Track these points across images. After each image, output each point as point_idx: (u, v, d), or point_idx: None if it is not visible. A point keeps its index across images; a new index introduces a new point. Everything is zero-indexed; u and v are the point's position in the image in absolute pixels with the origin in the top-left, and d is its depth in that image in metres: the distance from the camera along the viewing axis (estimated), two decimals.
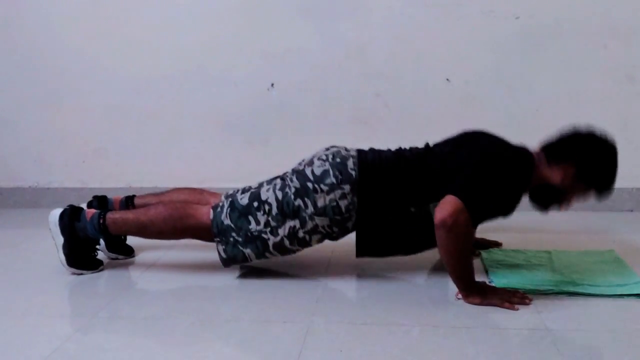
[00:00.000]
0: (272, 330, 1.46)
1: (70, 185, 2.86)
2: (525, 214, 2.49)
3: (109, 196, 2.08)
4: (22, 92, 2.81)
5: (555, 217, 2.45)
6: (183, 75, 2.69)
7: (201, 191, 2.03)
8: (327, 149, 1.81)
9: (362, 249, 1.79)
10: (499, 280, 1.70)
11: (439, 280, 1.77)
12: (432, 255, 1.96)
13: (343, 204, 1.70)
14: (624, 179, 2.54)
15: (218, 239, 1.76)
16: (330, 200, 1.70)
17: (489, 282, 1.70)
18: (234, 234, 1.74)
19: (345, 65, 2.60)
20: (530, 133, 2.51)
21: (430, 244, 1.73)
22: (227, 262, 1.79)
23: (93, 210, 1.86)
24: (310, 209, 1.70)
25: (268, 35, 2.62)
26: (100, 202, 2.04)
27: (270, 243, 1.74)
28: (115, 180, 2.79)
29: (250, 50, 2.64)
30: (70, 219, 1.83)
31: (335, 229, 1.75)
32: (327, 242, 1.85)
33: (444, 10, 2.51)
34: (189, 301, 1.67)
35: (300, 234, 1.73)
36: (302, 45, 2.60)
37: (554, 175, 1.65)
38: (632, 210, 2.57)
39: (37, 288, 1.79)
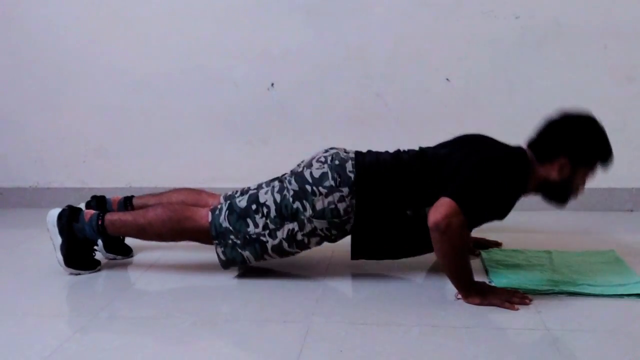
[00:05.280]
0: (272, 330, 1.46)
1: (70, 185, 2.86)
2: (525, 214, 2.49)
3: (107, 196, 2.08)
4: (22, 92, 2.81)
5: (555, 217, 2.46)
6: (183, 75, 2.69)
7: (199, 192, 2.03)
8: (326, 151, 1.81)
9: (357, 252, 1.79)
10: (499, 280, 1.70)
11: (439, 280, 1.77)
12: (431, 255, 1.96)
13: (341, 206, 1.70)
14: (624, 179, 2.56)
15: (217, 242, 1.76)
16: (329, 203, 1.69)
17: (489, 282, 1.70)
18: (232, 237, 1.74)
19: (345, 65, 2.60)
20: (530, 133, 2.52)
21: (425, 248, 1.73)
22: (226, 264, 1.79)
23: (92, 211, 1.86)
24: (309, 212, 1.70)
25: (268, 36, 2.61)
26: (99, 202, 2.03)
27: (269, 246, 1.74)
28: (115, 180, 2.79)
29: (250, 50, 2.63)
30: (68, 219, 1.83)
31: (333, 232, 1.74)
32: (326, 242, 1.85)
33: (444, 10, 2.51)
34: (188, 301, 1.67)
35: (299, 236, 1.73)
36: (302, 45, 2.60)
37: (551, 172, 1.65)
38: (632, 210, 2.57)
39: (37, 288, 1.79)
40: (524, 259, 1.90)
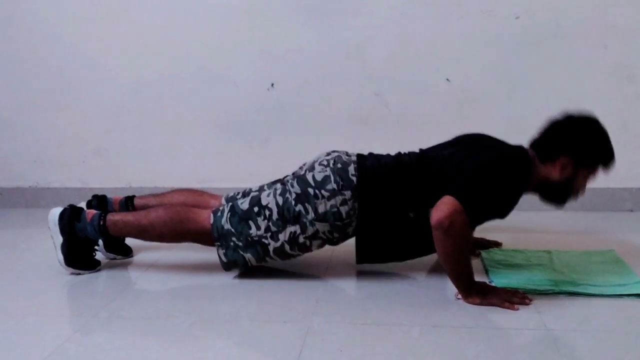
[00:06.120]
0: (272, 330, 1.46)
1: (70, 185, 2.86)
2: (525, 214, 2.49)
3: (108, 196, 2.08)
4: (22, 92, 2.81)
5: (555, 217, 2.46)
6: (183, 75, 2.69)
7: (201, 193, 2.03)
8: (328, 154, 1.81)
9: (363, 256, 1.79)
10: (499, 280, 1.70)
11: (439, 280, 1.77)
12: (432, 255, 1.96)
13: (344, 210, 1.70)
14: (624, 179, 2.56)
15: (218, 243, 1.76)
16: (331, 206, 1.70)
17: (489, 282, 1.70)
18: (234, 239, 1.74)
19: (345, 65, 2.60)
20: (530, 133, 2.52)
21: (428, 249, 1.72)
22: (228, 266, 1.79)
23: (93, 211, 1.86)
24: (311, 215, 1.70)
25: (268, 36, 2.62)
26: (100, 201, 2.03)
27: (271, 248, 1.74)
28: (115, 180, 2.79)
29: (250, 50, 2.64)
30: (70, 219, 1.83)
31: (335, 235, 1.75)
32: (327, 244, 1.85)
33: (444, 10, 2.51)
34: (188, 301, 1.67)
35: (301, 239, 1.73)
36: (302, 45, 2.60)
37: (553, 172, 1.65)
38: (632, 210, 2.57)
39: (37, 288, 1.79)
40: (524, 259, 1.90)
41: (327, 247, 1.83)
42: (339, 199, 1.69)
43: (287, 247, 1.74)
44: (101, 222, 1.82)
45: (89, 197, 2.08)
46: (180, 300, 1.69)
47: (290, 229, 1.72)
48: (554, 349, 1.33)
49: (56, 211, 1.85)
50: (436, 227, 1.52)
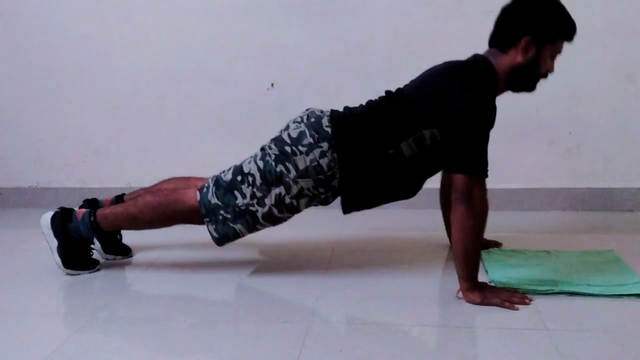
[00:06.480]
0: (271, 330, 1.46)
1: (70, 185, 2.85)
2: (525, 214, 2.50)
3: (99, 198, 2.08)
4: (22, 92, 2.81)
5: (555, 217, 2.46)
6: (183, 75, 2.69)
7: (187, 178, 2.03)
8: (302, 112, 1.83)
9: (349, 205, 1.77)
10: (499, 280, 1.70)
11: (439, 280, 1.77)
12: (432, 255, 1.96)
13: (324, 162, 1.70)
14: (624, 179, 2.56)
15: (207, 219, 1.75)
16: (311, 161, 1.69)
17: (489, 282, 1.70)
18: (222, 212, 1.74)
19: (345, 65, 2.60)
20: (530, 133, 2.52)
21: (413, 188, 1.77)
22: (220, 240, 1.78)
23: (83, 210, 1.86)
24: (293, 173, 1.70)
25: (268, 35, 2.61)
26: (91, 205, 2.03)
27: (259, 215, 1.73)
28: (115, 180, 2.79)
29: (250, 49, 2.63)
30: (62, 220, 1.83)
31: (321, 190, 1.73)
32: (326, 241, 1.85)
33: (443, 9, 2.51)
34: (187, 301, 1.67)
35: (287, 200, 1.72)
36: (302, 44, 2.60)
37: (517, 56, 1.67)
38: (632, 210, 2.57)
39: (36, 288, 1.79)
40: (523, 259, 1.90)
41: (327, 246, 1.83)
42: (317, 152, 1.69)
43: (275, 210, 1.73)
44: (92, 218, 1.82)
45: (89, 197, 2.08)
46: (179, 300, 1.69)
47: (275, 191, 1.71)
48: (554, 349, 1.33)
49: (47, 216, 1.86)
50: (459, 202, 1.55)
